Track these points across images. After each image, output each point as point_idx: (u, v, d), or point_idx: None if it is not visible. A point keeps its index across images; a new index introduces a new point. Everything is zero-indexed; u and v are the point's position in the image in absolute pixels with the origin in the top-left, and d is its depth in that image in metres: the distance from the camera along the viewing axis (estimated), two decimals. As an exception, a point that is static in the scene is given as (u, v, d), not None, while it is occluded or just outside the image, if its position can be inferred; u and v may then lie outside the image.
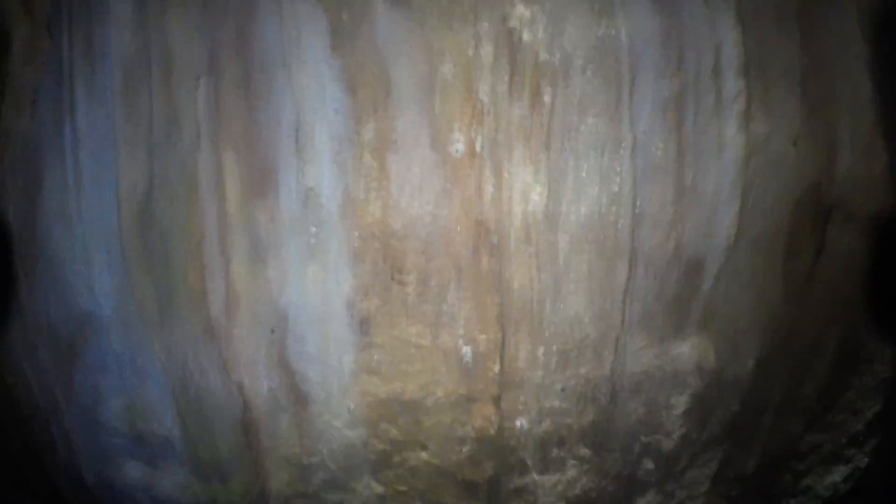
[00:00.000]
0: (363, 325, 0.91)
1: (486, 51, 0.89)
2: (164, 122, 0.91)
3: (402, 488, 0.95)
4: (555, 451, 0.96)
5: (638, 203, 0.91)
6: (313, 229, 0.90)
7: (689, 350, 0.96)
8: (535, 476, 0.96)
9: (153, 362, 0.94)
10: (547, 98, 0.89)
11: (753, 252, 0.95)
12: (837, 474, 1.07)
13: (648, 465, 0.99)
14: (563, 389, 0.94)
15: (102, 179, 0.93)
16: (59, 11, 0.94)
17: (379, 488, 0.95)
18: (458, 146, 0.90)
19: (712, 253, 0.94)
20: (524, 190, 0.90)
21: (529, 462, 0.96)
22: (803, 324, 1.00)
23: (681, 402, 0.97)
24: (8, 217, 0.98)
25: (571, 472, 0.97)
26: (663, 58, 0.90)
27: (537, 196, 0.90)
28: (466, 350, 0.91)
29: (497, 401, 0.93)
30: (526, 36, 0.89)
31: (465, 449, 0.94)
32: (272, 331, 0.90)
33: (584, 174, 0.90)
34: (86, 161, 0.94)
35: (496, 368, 0.92)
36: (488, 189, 0.90)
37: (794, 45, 0.94)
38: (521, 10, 0.89)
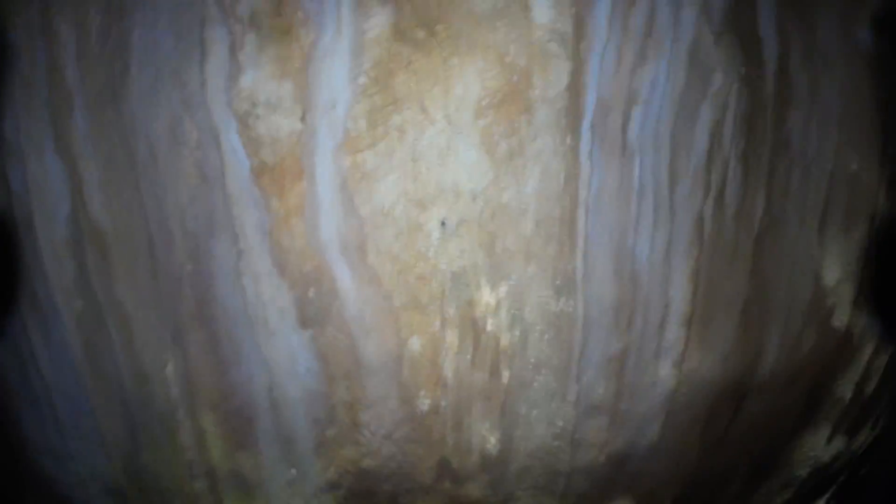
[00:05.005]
0: (342, 532, 1.06)
1: (451, 335, 0.93)
2: (136, 385, 0.94)
3: None
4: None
5: (577, 435, 1.04)
6: (293, 470, 1.00)
7: (614, 510, 1.16)
8: None
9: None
10: (505, 374, 0.96)
11: (672, 439, 1.11)
12: None
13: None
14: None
15: (83, 427, 0.97)
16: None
17: None
18: (424, 403, 0.98)
19: (637, 453, 1.09)
20: (482, 436, 1.01)
21: None
22: (718, 464, 1.18)
23: (603, 544, 1.19)
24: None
25: None
26: (615, 321, 0.97)
27: (493, 440, 1.01)
28: (430, 544, 1.09)
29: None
30: (490, 325, 0.93)
31: None
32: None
33: (533, 418, 1.01)
34: (62, 410, 0.96)
35: (455, 552, 1.11)
36: (450, 437, 1.00)
37: (743, 277, 1.00)
38: (487, 298, 0.92)
